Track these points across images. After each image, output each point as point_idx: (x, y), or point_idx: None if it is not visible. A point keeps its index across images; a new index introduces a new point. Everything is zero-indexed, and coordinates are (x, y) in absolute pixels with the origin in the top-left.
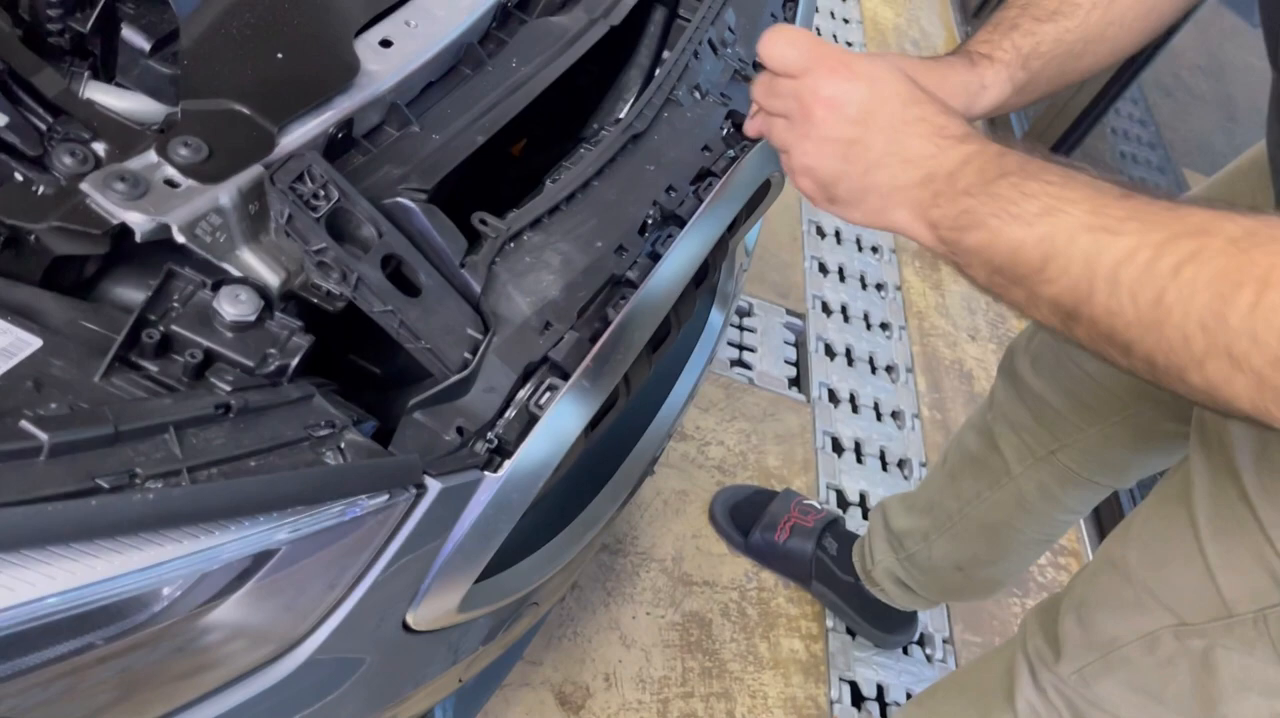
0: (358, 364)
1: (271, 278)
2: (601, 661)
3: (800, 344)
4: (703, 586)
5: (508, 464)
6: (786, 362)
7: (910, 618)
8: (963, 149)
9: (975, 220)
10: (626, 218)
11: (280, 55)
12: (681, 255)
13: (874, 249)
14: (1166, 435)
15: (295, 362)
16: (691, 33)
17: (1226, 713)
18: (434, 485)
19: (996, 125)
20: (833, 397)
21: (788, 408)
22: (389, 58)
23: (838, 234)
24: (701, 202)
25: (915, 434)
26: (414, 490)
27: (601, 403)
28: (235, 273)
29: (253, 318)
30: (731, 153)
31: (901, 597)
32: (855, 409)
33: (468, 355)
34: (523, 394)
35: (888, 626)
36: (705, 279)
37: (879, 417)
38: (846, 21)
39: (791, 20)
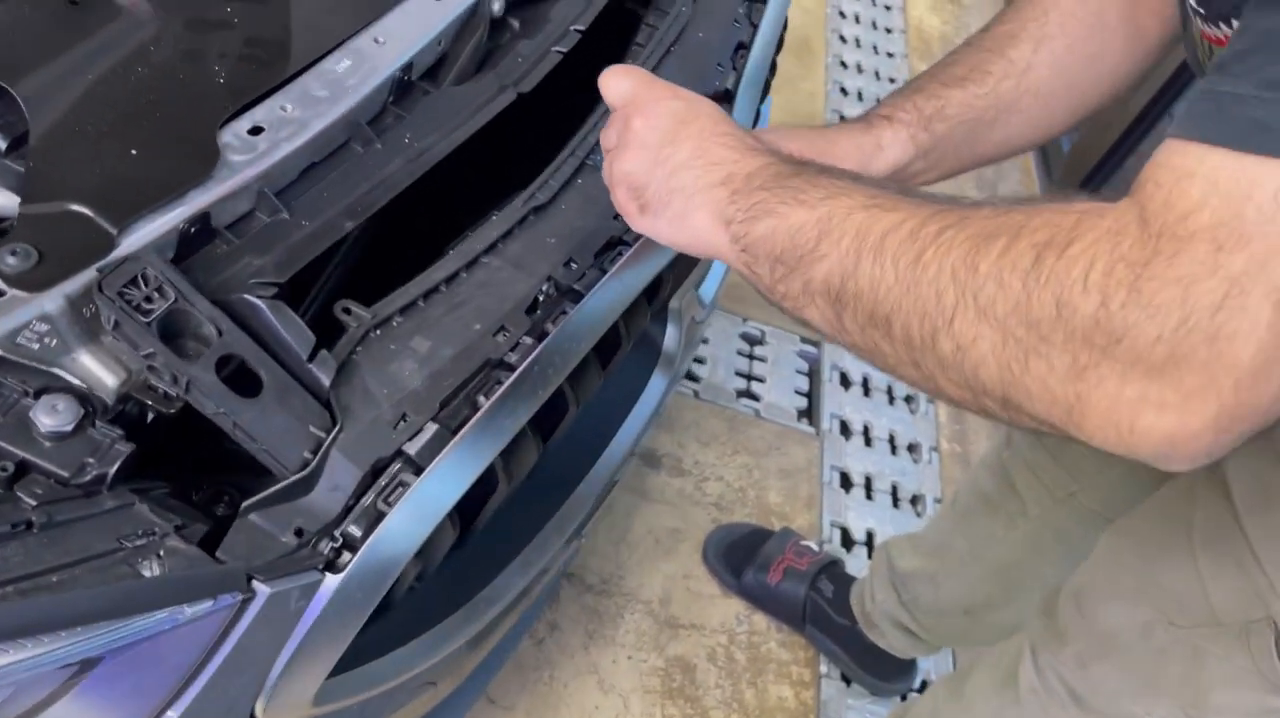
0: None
1: (110, 379)
2: (577, 707)
3: (814, 373)
4: (690, 628)
5: (351, 563)
6: (797, 392)
7: (909, 665)
8: (763, 158)
9: (765, 209)
10: (514, 296)
11: (134, 151)
12: (577, 331)
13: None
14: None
15: (114, 470)
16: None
17: (1218, 702)
18: (262, 590)
19: (1048, 155)
20: (845, 429)
21: (795, 441)
22: (257, 145)
23: None
24: (605, 273)
25: (932, 469)
26: (238, 596)
27: (465, 491)
28: (68, 378)
29: (70, 428)
30: None
31: (902, 642)
32: (869, 442)
33: (308, 455)
34: (370, 495)
35: (885, 673)
36: (615, 352)
37: (894, 450)
38: (889, 31)
39: (739, 72)
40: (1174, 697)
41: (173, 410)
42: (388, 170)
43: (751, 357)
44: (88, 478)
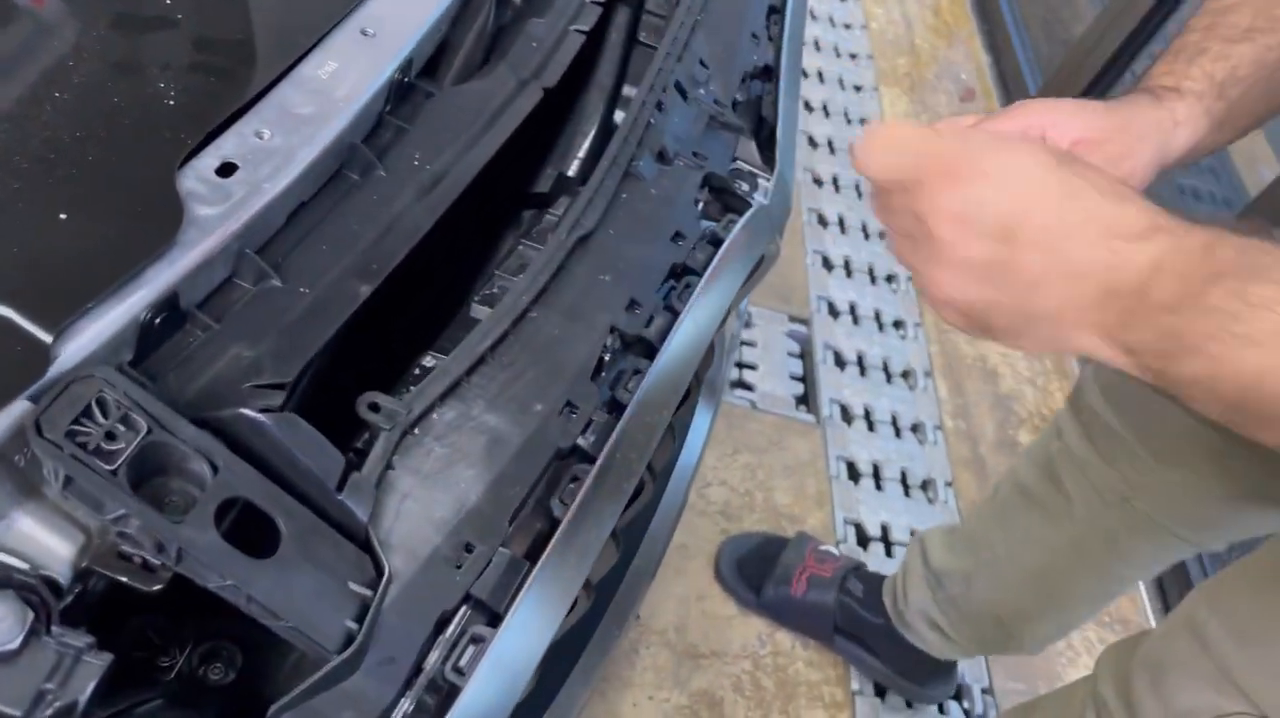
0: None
1: (63, 547)
2: None
3: (806, 355)
4: (711, 657)
5: None
6: (792, 377)
7: (948, 669)
8: (1149, 249)
9: (1186, 346)
10: (576, 359)
11: (63, 215)
12: (656, 395)
13: (882, 235)
14: (1275, 497)
15: (86, 697)
16: (651, 81)
17: None
18: None
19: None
20: (845, 414)
21: (796, 433)
22: (231, 190)
23: (841, 222)
24: (677, 314)
25: (939, 449)
26: None
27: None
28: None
29: (15, 644)
30: (713, 230)
31: (938, 643)
32: (871, 427)
33: (351, 625)
34: (435, 658)
35: (921, 676)
36: (685, 408)
37: (898, 432)
38: (849, 28)
39: (778, 38)
40: None
41: (156, 588)
42: (399, 205)
43: (741, 342)
44: (50, 714)
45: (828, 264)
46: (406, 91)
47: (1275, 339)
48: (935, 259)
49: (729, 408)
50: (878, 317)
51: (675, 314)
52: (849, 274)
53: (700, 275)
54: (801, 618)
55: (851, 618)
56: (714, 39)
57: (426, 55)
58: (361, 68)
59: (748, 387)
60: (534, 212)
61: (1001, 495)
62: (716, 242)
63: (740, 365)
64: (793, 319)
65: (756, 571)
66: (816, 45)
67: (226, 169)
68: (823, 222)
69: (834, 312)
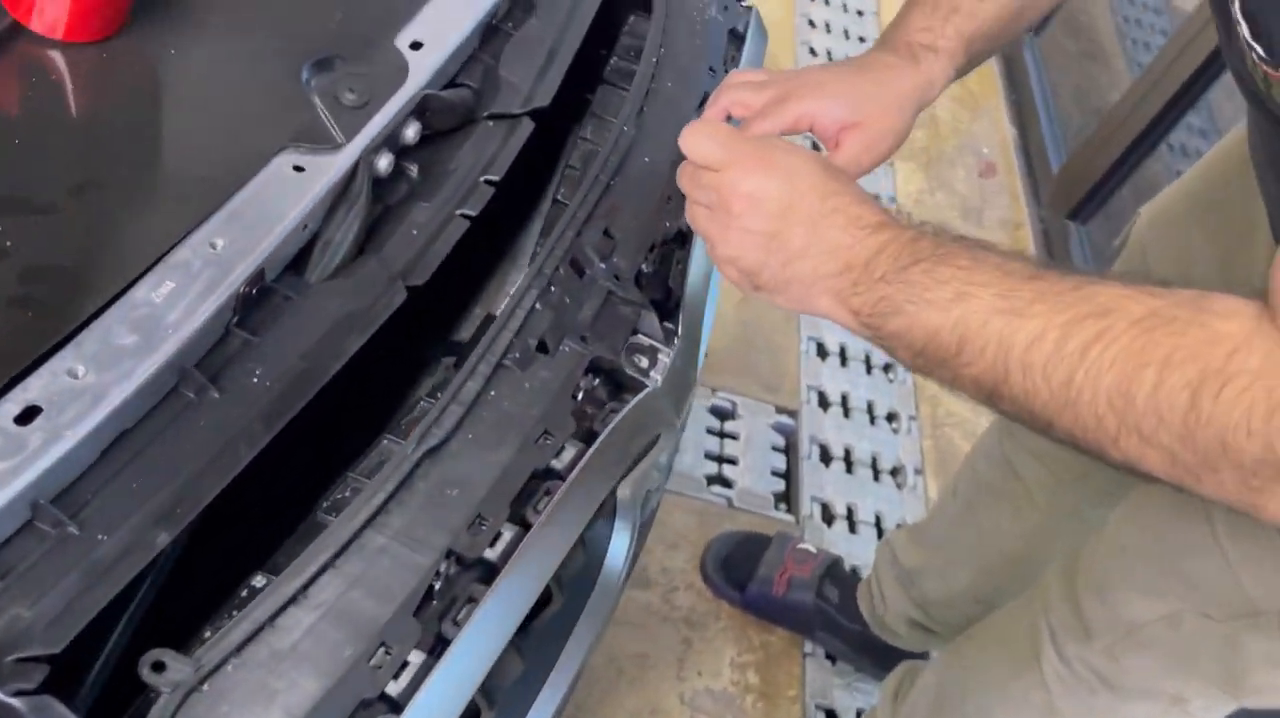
0: None
1: None
2: None
3: (791, 448)
4: None
5: None
6: (774, 473)
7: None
8: (877, 238)
9: (893, 307)
10: (401, 589)
11: None
12: (495, 625)
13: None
14: None
15: None
16: (540, 264)
17: (1256, 684)
18: None
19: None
20: (826, 513)
21: (773, 532)
22: (28, 440)
23: None
24: (529, 527)
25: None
26: None
27: None
28: None
29: None
30: (589, 425)
31: (918, 639)
32: (853, 528)
33: None
34: None
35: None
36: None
37: (880, 533)
38: (863, 41)
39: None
40: (1208, 678)
41: None
42: (230, 429)
43: (722, 434)
44: None
45: (823, 351)
46: (261, 297)
47: (947, 304)
48: (728, 226)
49: (704, 505)
50: (870, 409)
51: (527, 528)
52: (844, 362)
53: (564, 479)
54: (782, 615)
55: (829, 622)
56: (626, 204)
57: (289, 255)
58: (202, 286)
59: (726, 483)
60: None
61: (962, 494)
62: (591, 437)
63: (720, 460)
64: (780, 410)
65: (740, 569)
66: None
67: (27, 415)
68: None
69: (824, 403)
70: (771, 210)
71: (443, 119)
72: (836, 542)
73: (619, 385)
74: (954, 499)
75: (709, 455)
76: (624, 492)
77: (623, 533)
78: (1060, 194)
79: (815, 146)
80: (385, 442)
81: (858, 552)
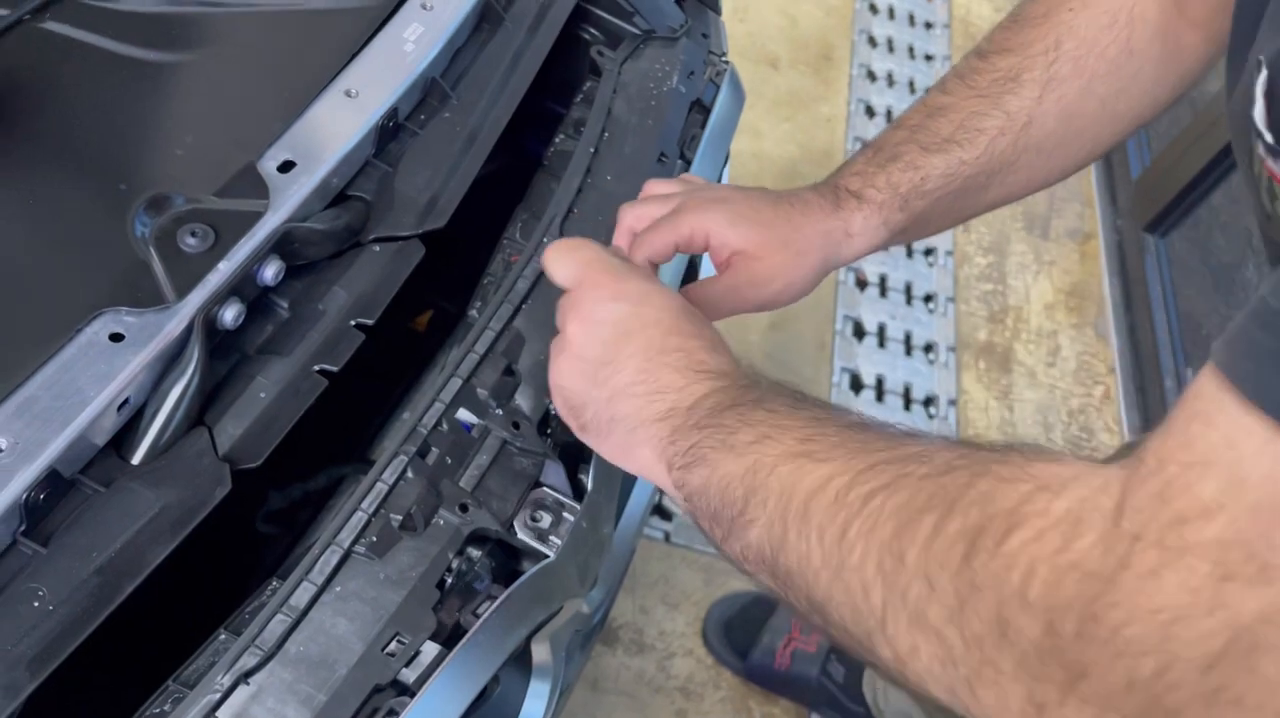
0: None
1: None
2: None
3: None
4: None
5: None
6: None
7: None
8: (710, 384)
9: (699, 456)
10: None
11: None
12: None
13: (927, 349)
14: None
15: None
16: (412, 425)
17: None
18: None
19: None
20: None
21: None
22: None
23: (881, 332)
24: None
25: None
26: None
27: None
28: None
29: None
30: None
31: None
32: None
33: None
34: None
35: None
36: None
37: None
38: (929, 27)
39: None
40: None
41: None
42: None
43: None
44: None
45: (857, 384)
46: (58, 497)
47: (745, 448)
48: (560, 349)
49: (711, 561)
50: None
51: None
52: (880, 396)
53: (413, 694)
54: (784, 688)
55: (832, 701)
56: (539, 328)
57: (90, 450)
58: None
59: None
60: None
61: None
62: (457, 635)
63: None
64: None
65: (743, 635)
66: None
67: None
68: (859, 332)
69: None
70: (607, 337)
71: (315, 250)
72: None
73: (509, 556)
74: None
75: None
76: (540, 653)
77: (539, 695)
78: (1140, 202)
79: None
80: (201, 658)
81: None
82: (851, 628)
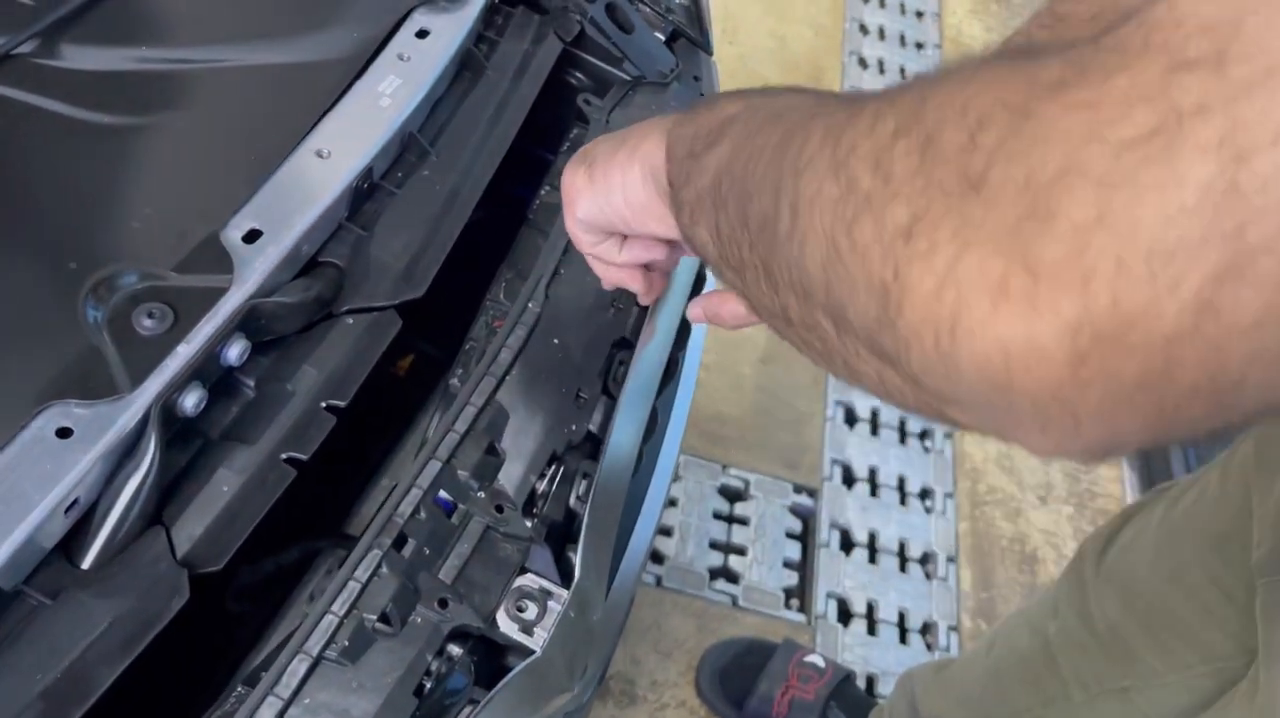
0: None
1: None
2: None
3: (808, 534)
4: None
5: None
6: (786, 564)
7: None
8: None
9: (691, 119)
10: None
11: None
12: None
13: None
14: None
15: None
16: (391, 512)
17: None
18: None
19: None
20: (844, 612)
21: (782, 637)
22: None
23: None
24: None
25: (950, 657)
26: None
27: None
28: None
29: None
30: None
31: None
32: (872, 628)
33: None
34: None
35: None
36: None
37: (903, 636)
38: (920, 47)
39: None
40: None
41: None
42: None
43: (731, 518)
44: None
45: (851, 418)
46: (3, 606)
47: (763, 125)
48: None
49: (705, 606)
50: (901, 484)
51: None
52: (874, 431)
53: None
54: None
55: None
56: (524, 402)
57: (37, 555)
58: None
59: (732, 577)
60: None
61: (996, 656)
62: None
63: (727, 549)
64: (798, 489)
65: (738, 683)
66: None
67: None
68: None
69: (849, 479)
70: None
71: (284, 325)
72: (852, 646)
73: (490, 652)
74: (986, 656)
75: (714, 545)
76: None
77: None
78: None
79: None
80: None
81: (875, 657)
82: (767, 210)
